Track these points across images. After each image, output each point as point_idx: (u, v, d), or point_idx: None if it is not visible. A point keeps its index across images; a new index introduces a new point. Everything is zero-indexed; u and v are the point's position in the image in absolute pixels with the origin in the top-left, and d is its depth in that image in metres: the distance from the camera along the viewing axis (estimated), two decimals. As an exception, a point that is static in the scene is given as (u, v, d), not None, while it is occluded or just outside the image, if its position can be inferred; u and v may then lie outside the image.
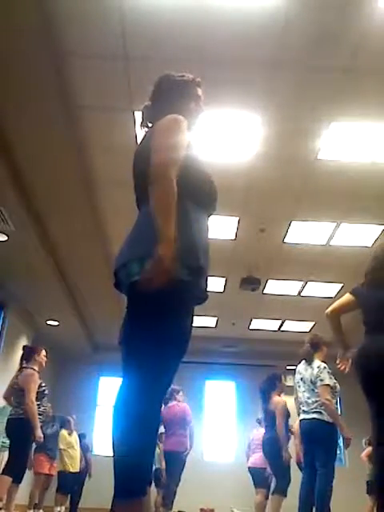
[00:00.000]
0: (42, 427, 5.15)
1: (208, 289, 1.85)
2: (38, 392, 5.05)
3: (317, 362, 4.62)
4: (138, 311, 1.69)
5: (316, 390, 4.48)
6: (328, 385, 4.46)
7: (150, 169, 1.68)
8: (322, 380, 4.48)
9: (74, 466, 7.90)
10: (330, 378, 4.51)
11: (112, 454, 1.59)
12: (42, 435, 4.94)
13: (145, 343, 1.63)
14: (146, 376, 1.60)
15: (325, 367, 4.56)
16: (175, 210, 1.63)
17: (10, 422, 5.05)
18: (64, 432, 7.96)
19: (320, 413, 4.42)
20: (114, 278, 1.79)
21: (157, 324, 1.64)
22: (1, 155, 5.22)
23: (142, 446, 1.57)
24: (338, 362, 3.56)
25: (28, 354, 5.36)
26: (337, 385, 4.57)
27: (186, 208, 1.76)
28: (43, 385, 5.21)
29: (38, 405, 5.01)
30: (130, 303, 1.72)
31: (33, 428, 4.84)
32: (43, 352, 5.38)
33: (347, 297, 3.42)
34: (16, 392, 5.06)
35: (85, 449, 8.73)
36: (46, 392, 5.23)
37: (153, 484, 6.64)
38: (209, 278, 1.83)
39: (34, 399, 4.92)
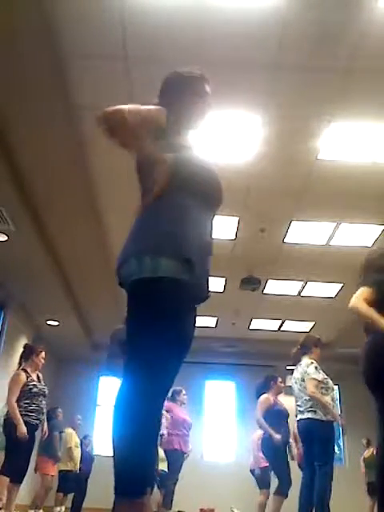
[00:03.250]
0: (37, 425, 5.18)
1: (210, 288, 1.82)
2: (24, 390, 5.08)
3: (304, 360, 4.67)
4: (136, 310, 1.69)
5: (305, 385, 4.53)
6: (314, 378, 4.49)
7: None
8: (308, 374, 4.52)
9: (76, 466, 8.01)
10: (318, 372, 4.54)
11: (112, 454, 1.59)
12: (24, 431, 4.93)
13: (143, 342, 1.63)
14: (145, 375, 1.60)
15: (312, 363, 4.62)
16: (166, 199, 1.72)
17: (5, 422, 5.10)
18: (72, 431, 8.12)
19: (314, 412, 4.45)
20: (118, 277, 1.80)
21: (154, 323, 1.63)
22: (1, 155, 5.22)
23: (142, 447, 1.57)
24: None
25: (27, 354, 5.38)
26: (328, 381, 4.58)
27: (178, 202, 1.76)
28: (32, 383, 5.18)
29: (27, 403, 5.05)
30: (128, 302, 1.72)
31: (16, 425, 4.91)
32: (42, 354, 5.39)
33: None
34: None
35: (86, 449, 8.77)
36: (36, 389, 5.16)
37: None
38: (209, 277, 1.82)
39: (12, 399, 5.00)
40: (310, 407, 4.47)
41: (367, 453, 8.86)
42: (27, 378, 5.16)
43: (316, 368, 4.58)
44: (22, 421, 4.95)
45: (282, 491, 5.40)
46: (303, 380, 4.58)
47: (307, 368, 4.58)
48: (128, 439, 1.56)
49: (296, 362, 4.79)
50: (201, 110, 2.03)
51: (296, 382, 4.69)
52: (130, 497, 1.54)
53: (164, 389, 1.68)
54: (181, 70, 2.07)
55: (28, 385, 5.13)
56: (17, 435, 4.89)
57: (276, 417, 5.61)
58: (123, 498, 1.55)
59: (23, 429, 4.91)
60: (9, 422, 5.03)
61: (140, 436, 1.56)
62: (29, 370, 5.26)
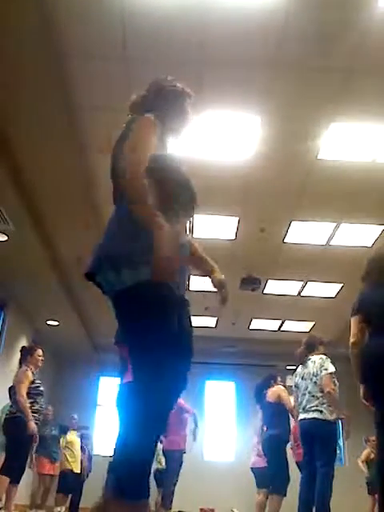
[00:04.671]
0: (38, 424, 5.16)
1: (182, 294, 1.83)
2: (31, 388, 5.07)
3: (315, 356, 4.60)
4: (125, 316, 1.71)
5: (319, 382, 4.43)
6: (331, 373, 4.42)
7: (125, 166, 1.71)
8: (326, 369, 4.44)
9: (76, 467, 7.91)
10: (333, 365, 4.48)
11: (115, 456, 1.57)
12: (34, 428, 4.91)
13: (136, 345, 1.65)
14: (143, 378, 1.61)
15: (327, 357, 4.53)
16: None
17: (6, 422, 5.08)
18: (73, 433, 8.08)
19: (321, 411, 4.38)
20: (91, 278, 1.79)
21: (145, 326, 1.65)
22: (1, 155, 5.22)
23: (148, 451, 1.57)
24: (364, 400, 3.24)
25: (24, 355, 5.37)
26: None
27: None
28: (38, 382, 5.20)
29: (32, 402, 5.03)
30: (116, 309, 1.74)
31: (25, 422, 4.84)
32: (39, 351, 5.38)
33: (355, 322, 3.24)
34: (12, 391, 5.09)
35: (84, 449, 8.74)
36: (41, 388, 5.20)
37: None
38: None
39: (24, 394, 4.94)
40: (317, 407, 4.39)
41: (365, 452, 8.86)
42: (33, 376, 5.16)
43: (332, 362, 4.51)
44: (31, 416, 4.89)
45: (280, 490, 5.37)
46: (315, 375, 4.47)
47: (324, 363, 4.47)
48: (136, 441, 1.54)
49: (301, 361, 4.71)
50: (180, 121, 2.09)
51: (305, 380, 4.56)
52: (132, 499, 1.52)
53: (166, 390, 1.67)
54: (165, 80, 2.09)
55: (34, 383, 5.13)
56: (26, 432, 4.81)
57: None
58: (125, 501, 1.53)
59: (33, 425, 4.87)
60: (11, 422, 4.97)
61: (146, 438, 1.56)
62: (32, 369, 5.23)
